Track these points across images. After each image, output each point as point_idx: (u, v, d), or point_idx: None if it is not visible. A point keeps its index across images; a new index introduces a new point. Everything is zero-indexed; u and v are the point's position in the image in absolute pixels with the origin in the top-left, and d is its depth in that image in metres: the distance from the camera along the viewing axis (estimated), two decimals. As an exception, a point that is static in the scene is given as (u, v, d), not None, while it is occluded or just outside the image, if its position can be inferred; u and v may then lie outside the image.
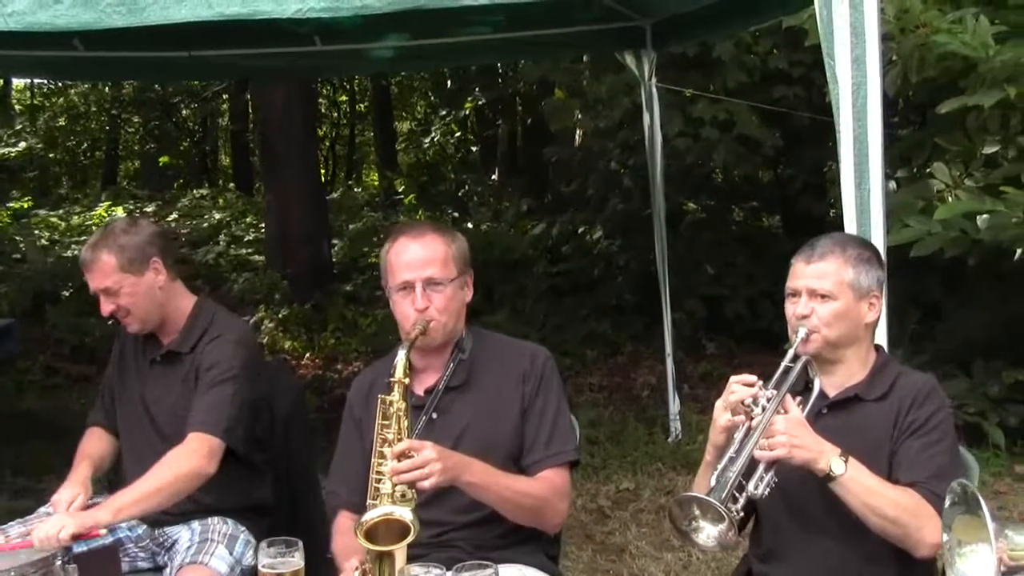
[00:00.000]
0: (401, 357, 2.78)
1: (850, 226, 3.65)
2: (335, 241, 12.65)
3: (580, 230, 11.12)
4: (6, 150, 18.29)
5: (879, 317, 2.83)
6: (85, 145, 21.69)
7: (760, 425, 2.56)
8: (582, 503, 5.76)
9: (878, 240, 3.56)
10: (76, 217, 16.01)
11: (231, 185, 20.32)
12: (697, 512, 2.53)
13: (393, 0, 3.64)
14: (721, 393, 2.69)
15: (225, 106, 20.14)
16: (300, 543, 2.58)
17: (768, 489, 2.56)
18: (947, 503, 2.14)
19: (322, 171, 16.66)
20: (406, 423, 2.73)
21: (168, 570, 3.29)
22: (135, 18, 3.54)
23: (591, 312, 9.76)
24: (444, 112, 17.47)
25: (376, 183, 20.52)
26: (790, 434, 2.54)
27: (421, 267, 2.90)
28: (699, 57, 8.47)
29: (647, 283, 7.66)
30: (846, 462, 2.53)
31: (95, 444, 3.57)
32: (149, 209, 16.23)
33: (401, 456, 2.64)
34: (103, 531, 3.09)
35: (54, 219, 15.60)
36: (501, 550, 2.85)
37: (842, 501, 2.55)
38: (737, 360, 8.52)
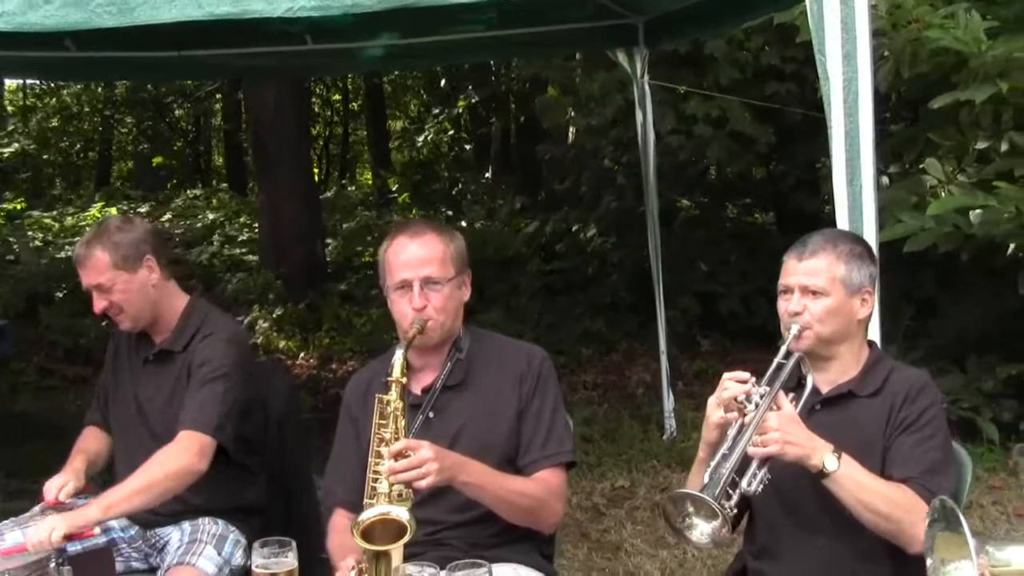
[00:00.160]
0: (399, 356, 2.78)
1: (842, 222, 3.65)
2: (329, 240, 12.64)
3: (574, 228, 11.13)
4: (-1, 151, 18.26)
5: (872, 313, 2.83)
6: (78, 146, 21.60)
7: (753, 422, 2.56)
8: (577, 501, 5.76)
9: (870, 236, 3.56)
10: (70, 218, 15.96)
11: (224, 185, 20.27)
12: (691, 509, 2.53)
13: (383, -2, 3.64)
14: (715, 390, 2.69)
15: (218, 106, 20.10)
16: (293, 543, 2.58)
17: (761, 486, 2.57)
18: (927, 522, 2.14)
19: (315, 170, 16.62)
20: (403, 422, 2.73)
21: (160, 571, 3.29)
22: (125, 18, 3.53)
23: (585, 310, 9.76)
24: (437, 110, 17.46)
25: (370, 182, 20.50)
26: (783, 430, 2.54)
27: (419, 266, 2.91)
28: (691, 54, 8.48)
29: (641, 281, 7.66)
30: (839, 458, 2.53)
31: (91, 442, 3.58)
32: (143, 210, 16.18)
33: (398, 455, 2.64)
34: (97, 531, 3.09)
35: (47, 220, 15.56)
36: (496, 549, 2.85)
37: (835, 497, 2.56)
38: (731, 357, 8.52)
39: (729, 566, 3.06)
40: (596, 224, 10.81)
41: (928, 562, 2.12)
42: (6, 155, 18.32)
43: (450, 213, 14.72)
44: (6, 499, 5.72)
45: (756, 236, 10.71)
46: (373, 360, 3.24)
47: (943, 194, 5.78)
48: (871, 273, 2.80)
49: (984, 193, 5.64)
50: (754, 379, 2.64)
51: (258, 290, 11.04)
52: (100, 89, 18.75)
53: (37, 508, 3.35)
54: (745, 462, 2.56)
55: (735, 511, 2.56)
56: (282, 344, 9.93)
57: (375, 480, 2.68)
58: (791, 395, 2.68)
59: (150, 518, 3.31)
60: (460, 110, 16.57)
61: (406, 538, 2.53)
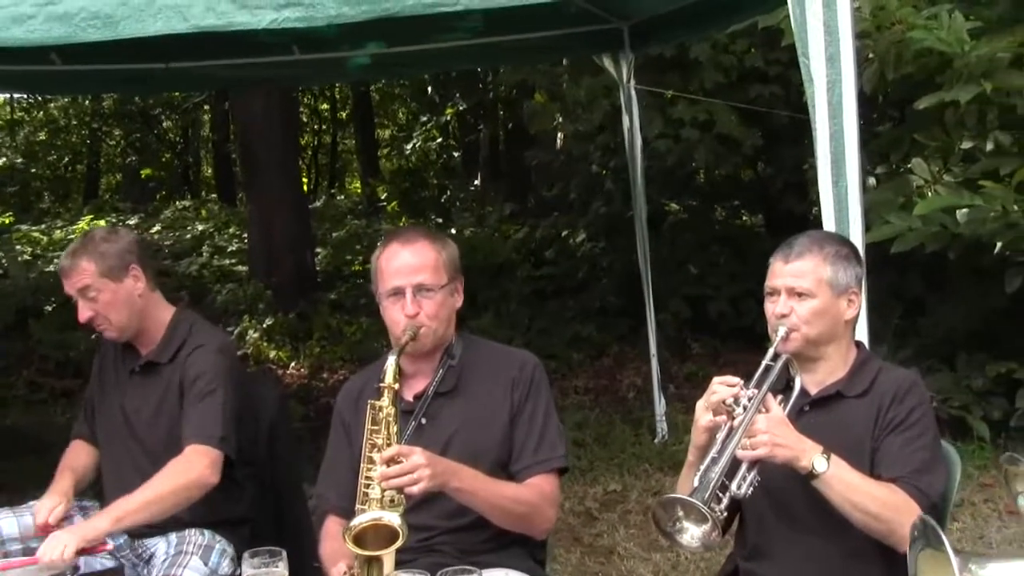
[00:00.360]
0: (391, 362, 2.77)
1: (828, 223, 3.67)
2: (319, 250, 12.63)
3: (563, 233, 11.15)
4: (-14, 166, 18.21)
5: (859, 314, 2.84)
6: (66, 159, 21.55)
7: (742, 425, 2.57)
8: (570, 505, 5.76)
9: (856, 237, 3.58)
10: (58, 231, 15.89)
11: (213, 196, 20.24)
12: (681, 513, 2.53)
13: (367, 8, 3.63)
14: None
15: (206, 117, 20.08)
16: (284, 553, 2.58)
17: (751, 488, 2.58)
18: (908, 541, 2.14)
19: (304, 180, 16.62)
20: (395, 428, 2.73)
21: (147, 583, 3.29)
22: (110, 32, 3.52)
23: (575, 315, 9.77)
24: (425, 118, 17.46)
25: (359, 191, 20.48)
26: (772, 433, 2.55)
27: (411, 273, 2.92)
28: (677, 58, 8.49)
29: (631, 284, 7.67)
30: (828, 459, 2.54)
31: (78, 456, 3.57)
32: (132, 222, 16.11)
33: (390, 461, 2.64)
34: (110, 544, 3.10)
35: (36, 234, 15.49)
36: (487, 554, 2.86)
37: (825, 498, 2.56)
38: (722, 359, 8.54)
39: (721, 568, 3.07)
40: (585, 229, 10.82)
41: None
42: (-6, 169, 18.28)
43: (439, 220, 14.71)
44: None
45: (745, 238, 10.71)
46: (366, 366, 3.24)
47: (930, 194, 5.81)
48: (857, 274, 2.81)
49: (970, 192, 5.66)
50: (742, 382, 2.65)
51: (248, 300, 11.01)
52: (87, 102, 18.71)
53: (31, 501, 3.34)
54: (734, 465, 2.56)
55: (725, 514, 2.57)
56: (273, 354, 9.91)
57: (367, 486, 2.68)
58: (779, 397, 2.69)
59: (139, 528, 3.30)
60: (448, 117, 16.58)
61: (398, 543, 2.53)
